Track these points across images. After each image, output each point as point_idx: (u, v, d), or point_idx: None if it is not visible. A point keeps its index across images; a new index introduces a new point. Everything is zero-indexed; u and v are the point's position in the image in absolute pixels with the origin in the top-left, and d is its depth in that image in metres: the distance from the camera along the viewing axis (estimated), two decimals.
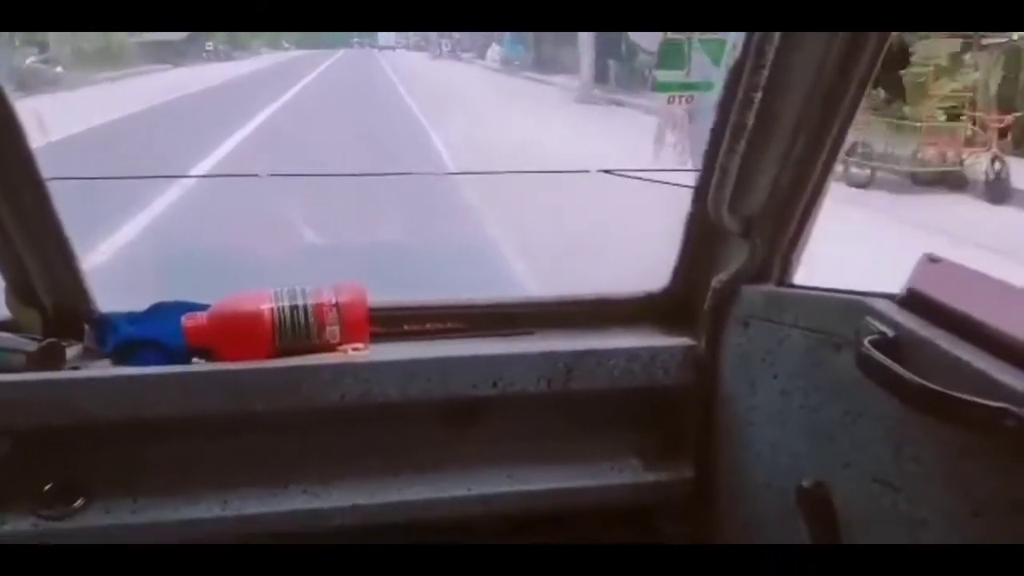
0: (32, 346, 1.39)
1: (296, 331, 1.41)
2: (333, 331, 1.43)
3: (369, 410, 1.41)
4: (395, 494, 1.45)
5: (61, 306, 1.46)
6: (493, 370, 1.43)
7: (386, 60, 27.80)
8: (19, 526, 1.34)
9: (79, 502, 1.36)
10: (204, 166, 8.26)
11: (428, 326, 1.56)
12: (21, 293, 1.44)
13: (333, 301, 1.43)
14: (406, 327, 1.55)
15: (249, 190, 5.89)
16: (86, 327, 1.47)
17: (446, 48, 27.77)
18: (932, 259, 1.11)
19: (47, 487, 1.36)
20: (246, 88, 17.88)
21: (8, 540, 1.33)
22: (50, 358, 1.39)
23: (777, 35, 1.19)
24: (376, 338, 1.47)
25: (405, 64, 25.61)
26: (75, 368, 1.40)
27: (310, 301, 1.42)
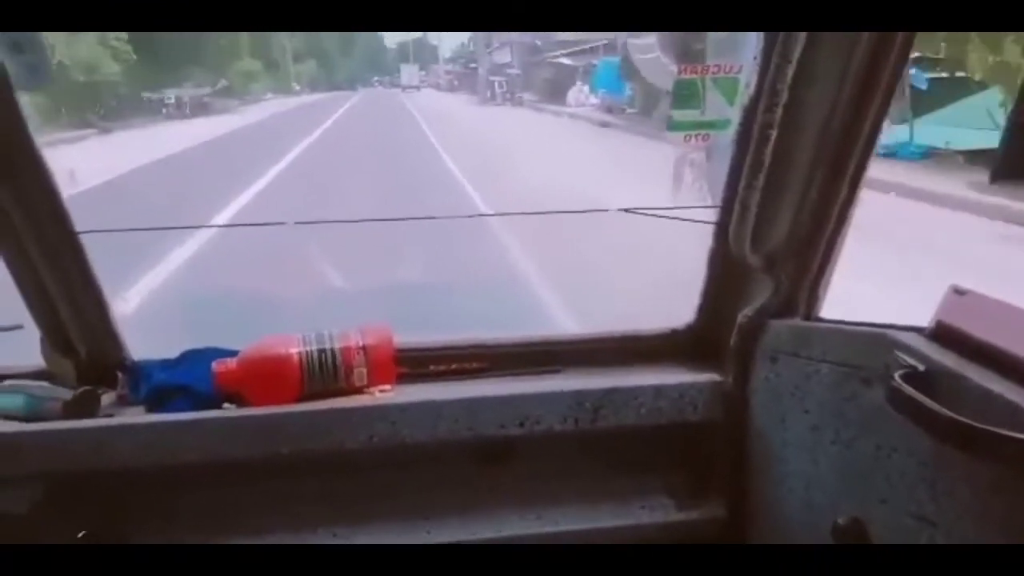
0: (68, 394, 1.41)
1: (324, 374, 1.42)
2: (360, 373, 1.44)
3: (397, 452, 1.41)
4: (424, 537, 1.45)
5: (95, 354, 1.49)
6: (520, 410, 1.43)
7: (418, 109, 22.43)
8: None
9: None
10: None
11: (454, 366, 1.57)
12: (56, 342, 1.47)
13: (360, 344, 1.45)
14: (432, 368, 1.56)
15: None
16: (119, 375, 1.49)
17: (500, 89, 22.17)
18: (958, 291, 1.10)
19: (81, 534, 1.37)
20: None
21: None
22: (86, 405, 1.42)
23: (790, 72, 1.21)
24: (402, 379, 1.48)
25: (447, 118, 19.18)
26: (109, 415, 1.42)
27: (337, 344, 1.44)
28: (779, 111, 1.24)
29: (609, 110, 14.84)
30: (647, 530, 1.50)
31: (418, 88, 38.61)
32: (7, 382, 1.44)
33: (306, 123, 17.57)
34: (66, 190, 1.36)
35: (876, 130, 1.23)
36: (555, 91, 20.35)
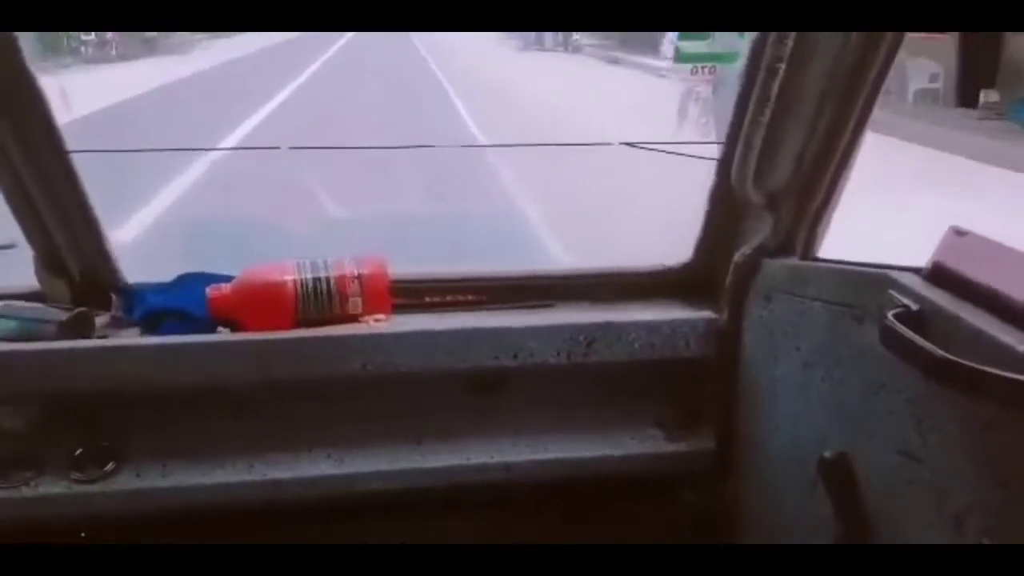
0: (62, 315, 1.42)
1: (319, 302, 1.42)
2: (355, 302, 1.44)
3: (391, 380, 1.43)
4: (418, 460, 1.47)
5: (89, 276, 1.49)
6: (514, 342, 1.44)
7: (438, 63, 15.36)
8: (52, 489, 1.37)
9: (110, 466, 1.40)
10: None
11: (449, 298, 1.57)
12: (50, 264, 1.47)
13: (355, 273, 1.44)
14: (427, 299, 1.56)
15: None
16: (113, 297, 1.49)
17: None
18: (958, 232, 1.09)
19: (78, 451, 1.39)
20: None
21: (41, 503, 1.36)
22: (81, 326, 1.42)
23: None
24: (397, 310, 1.48)
25: (472, 77, 12.99)
26: (103, 337, 1.43)
27: (332, 273, 1.44)
28: (789, 44, 1.21)
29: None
30: (636, 460, 1.53)
31: None
32: (1, 303, 1.44)
33: (272, 82, 12.55)
34: None
35: (887, 66, 1.21)
36: (637, 37, 12.49)
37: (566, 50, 15.80)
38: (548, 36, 15.84)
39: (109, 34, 12.81)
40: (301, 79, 13.90)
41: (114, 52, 13.51)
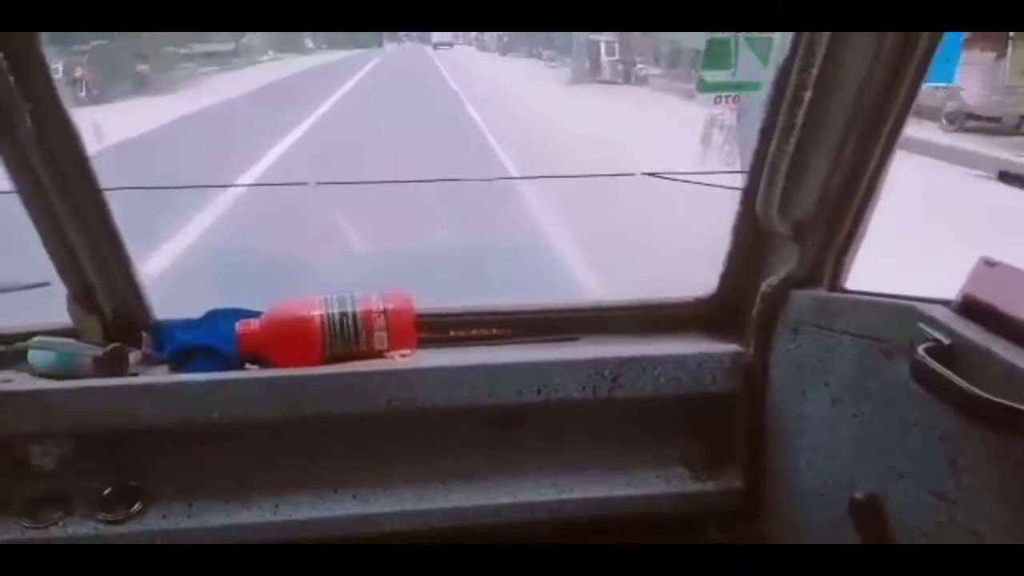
0: (98, 351, 1.44)
1: (345, 337, 1.43)
2: (381, 337, 1.45)
3: (416, 416, 1.42)
4: (442, 500, 1.46)
5: (120, 313, 1.51)
6: (538, 377, 1.43)
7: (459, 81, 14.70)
8: (80, 529, 1.38)
9: (137, 506, 1.41)
10: None
11: (474, 332, 1.57)
12: (83, 301, 1.50)
13: (381, 308, 1.45)
14: (452, 333, 1.56)
15: None
16: (144, 334, 1.52)
17: (610, 56, 12.47)
18: (989, 263, 1.07)
19: (107, 491, 1.40)
20: None
21: (69, 541, 1.37)
22: (116, 362, 1.45)
23: (826, 33, 1.17)
24: (423, 344, 1.49)
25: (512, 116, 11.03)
26: (134, 374, 1.45)
27: (359, 308, 1.45)
28: (814, 71, 1.20)
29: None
30: (662, 500, 1.50)
31: (451, 45, 32.74)
32: (37, 338, 1.47)
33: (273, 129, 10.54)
34: None
35: (914, 93, 1.19)
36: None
37: (628, 81, 12.62)
38: (606, 65, 12.83)
39: (78, 71, 11.01)
40: (298, 134, 10.86)
41: (84, 93, 11.03)
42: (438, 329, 1.55)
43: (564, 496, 1.48)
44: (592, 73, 13.38)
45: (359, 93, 15.54)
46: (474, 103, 13.18)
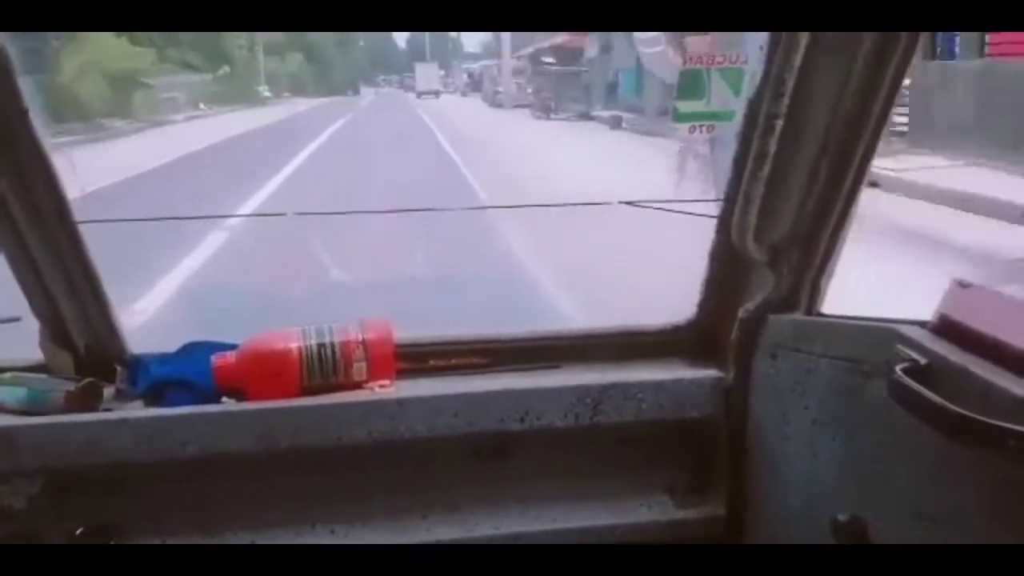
0: (70, 386, 1.41)
1: (324, 369, 1.42)
2: (360, 368, 1.43)
3: (397, 447, 1.41)
4: (423, 534, 1.44)
5: (94, 347, 1.49)
6: (520, 405, 1.42)
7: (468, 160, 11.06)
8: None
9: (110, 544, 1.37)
10: None
11: (454, 361, 1.56)
12: (56, 336, 1.47)
13: (360, 338, 1.44)
14: (432, 363, 1.55)
15: None
16: (118, 368, 1.49)
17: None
18: (962, 284, 1.09)
19: (79, 531, 1.36)
20: None
21: None
22: (89, 398, 1.41)
23: (797, 61, 1.19)
24: (402, 374, 1.48)
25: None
26: (108, 410, 1.42)
27: (337, 339, 1.43)
28: (785, 100, 1.23)
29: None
30: (646, 528, 1.50)
31: (437, 95, 28.04)
32: (7, 374, 1.44)
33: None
34: None
35: (883, 120, 1.22)
36: None
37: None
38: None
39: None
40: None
41: None
42: (418, 359, 1.54)
43: (548, 527, 1.47)
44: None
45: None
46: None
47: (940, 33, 9.90)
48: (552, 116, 16.84)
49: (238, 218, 7.83)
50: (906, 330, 1.10)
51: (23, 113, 1.25)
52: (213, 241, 6.58)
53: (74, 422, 1.35)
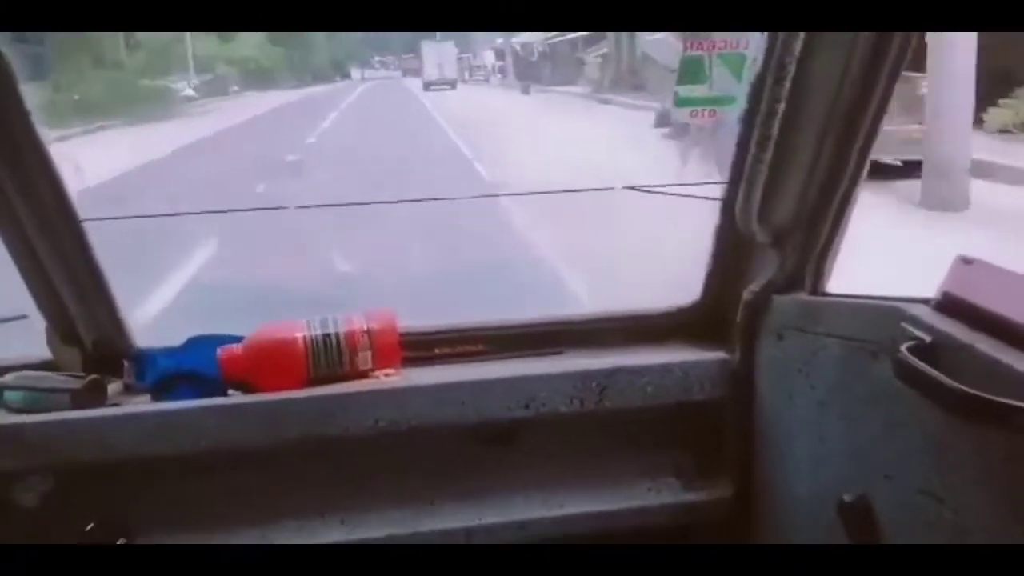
0: (75, 384, 1.42)
1: (329, 359, 1.42)
2: (365, 357, 1.44)
3: (403, 436, 1.41)
4: (430, 523, 1.45)
5: (101, 344, 1.49)
6: (525, 391, 1.43)
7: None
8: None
9: (120, 541, 1.38)
10: None
11: (459, 349, 1.56)
12: (62, 333, 1.48)
13: (364, 328, 1.44)
14: (437, 351, 1.55)
15: None
16: (125, 363, 1.50)
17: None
18: (966, 261, 1.09)
19: (89, 527, 1.37)
20: None
21: None
22: (94, 395, 1.42)
23: (798, 45, 1.19)
24: (407, 363, 1.48)
25: None
26: (115, 405, 1.43)
27: (342, 329, 1.44)
28: (787, 84, 1.23)
29: None
30: (654, 511, 1.50)
31: (453, 85, 20.53)
32: (12, 375, 1.44)
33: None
34: None
35: (885, 102, 1.22)
36: None
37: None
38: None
39: None
40: None
41: None
42: (423, 347, 1.54)
43: (555, 512, 1.47)
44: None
45: None
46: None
47: None
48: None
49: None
50: (910, 308, 1.10)
51: (23, 111, 1.26)
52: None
53: (82, 418, 1.36)
